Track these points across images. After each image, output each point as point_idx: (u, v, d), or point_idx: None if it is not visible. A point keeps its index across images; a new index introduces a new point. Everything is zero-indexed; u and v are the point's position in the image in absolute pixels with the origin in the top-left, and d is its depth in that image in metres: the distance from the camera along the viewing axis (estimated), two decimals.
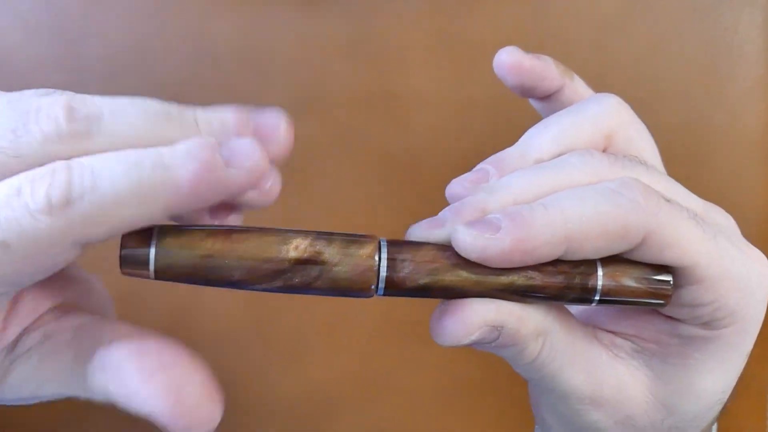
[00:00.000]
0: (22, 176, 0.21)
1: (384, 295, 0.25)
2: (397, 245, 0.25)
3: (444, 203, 0.42)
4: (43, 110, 0.22)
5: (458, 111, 0.43)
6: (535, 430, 0.35)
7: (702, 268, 0.25)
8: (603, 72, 0.35)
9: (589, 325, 0.29)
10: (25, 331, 0.24)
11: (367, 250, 0.24)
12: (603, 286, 0.25)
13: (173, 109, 0.24)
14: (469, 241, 0.24)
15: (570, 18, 0.43)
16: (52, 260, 0.22)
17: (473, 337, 0.25)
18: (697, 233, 0.25)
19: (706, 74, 0.44)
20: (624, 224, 0.24)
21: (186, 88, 0.42)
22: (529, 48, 0.33)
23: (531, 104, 0.34)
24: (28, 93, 0.23)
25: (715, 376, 0.28)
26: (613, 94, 0.30)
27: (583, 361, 0.27)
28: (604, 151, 0.29)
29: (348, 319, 0.44)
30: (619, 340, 0.29)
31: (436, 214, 0.27)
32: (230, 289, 0.24)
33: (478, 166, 0.29)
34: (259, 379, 0.44)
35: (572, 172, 0.26)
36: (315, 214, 0.43)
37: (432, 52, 0.43)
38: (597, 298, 0.25)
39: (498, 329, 0.25)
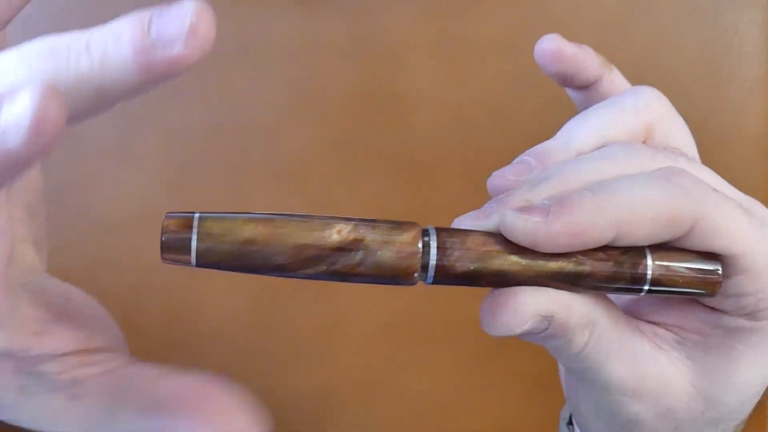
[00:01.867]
0: None
1: (433, 283, 0.24)
2: (446, 231, 0.24)
3: (445, 201, 0.42)
4: None
5: (458, 111, 0.43)
6: (560, 423, 0.35)
7: (749, 257, 0.25)
8: None
9: (631, 315, 0.29)
10: (49, 369, 0.24)
11: (410, 235, 0.24)
12: (653, 272, 0.25)
13: (61, 42, 0.19)
14: (519, 225, 0.24)
15: (570, 18, 0.43)
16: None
17: (525, 327, 0.24)
18: (744, 222, 0.25)
19: (706, 74, 0.44)
20: (674, 210, 0.24)
21: (186, 87, 0.42)
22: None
23: (568, 94, 0.33)
24: None
25: (757, 368, 0.28)
26: (651, 87, 0.30)
27: (627, 352, 0.27)
28: (643, 143, 0.29)
29: (348, 320, 0.44)
30: (661, 331, 0.28)
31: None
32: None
33: (519, 158, 0.28)
34: (259, 380, 0.44)
35: (616, 163, 0.26)
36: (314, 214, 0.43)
37: (432, 52, 0.43)
38: (647, 287, 0.25)
39: (548, 319, 0.25)
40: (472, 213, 0.26)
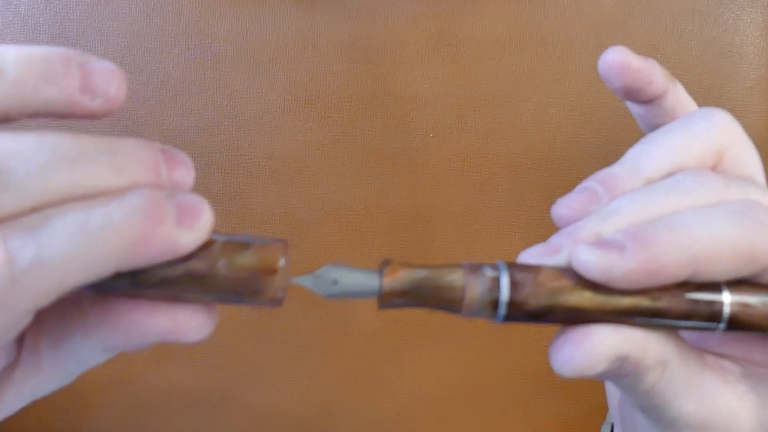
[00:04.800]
0: None
1: (505, 320, 0.24)
2: (517, 267, 0.24)
3: (445, 201, 0.42)
4: None
5: (458, 110, 0.43)
6: None
7: None
8: None
9: (697, 348, 0.28)
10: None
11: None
12: (731, 309, 0.24)
13: (88, 146, 0.21)
14: (594, 261, 0.23)
15: (570, 18, 0.43)
16: (5, 332, 0.21)
17: (599, 369, 0.24)
18: None
19: (706, 74, 0.44)
20: (753, 247, 0.24)
21: (186, 87, 0.42)
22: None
23: (628, 108, 0.32)
24: None
25: None
26: (722, 109, 0.29)
27: (696, 388, 0.26)
28: (712, 169, 0.28)
29: (346, 322, 0.44)
30: (727, 364, 0.27)
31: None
32: None
33: (584, 185, 0.27)
34: (257, 382, 0.44)
35: (688, 194, 0.25)
36: (315, 215, 0.43)
37: (432, 52, 0.43)
38: (723, 324, 0.24)
39: (622, 359, 0.24)
40: (538, 248, 0.25)
